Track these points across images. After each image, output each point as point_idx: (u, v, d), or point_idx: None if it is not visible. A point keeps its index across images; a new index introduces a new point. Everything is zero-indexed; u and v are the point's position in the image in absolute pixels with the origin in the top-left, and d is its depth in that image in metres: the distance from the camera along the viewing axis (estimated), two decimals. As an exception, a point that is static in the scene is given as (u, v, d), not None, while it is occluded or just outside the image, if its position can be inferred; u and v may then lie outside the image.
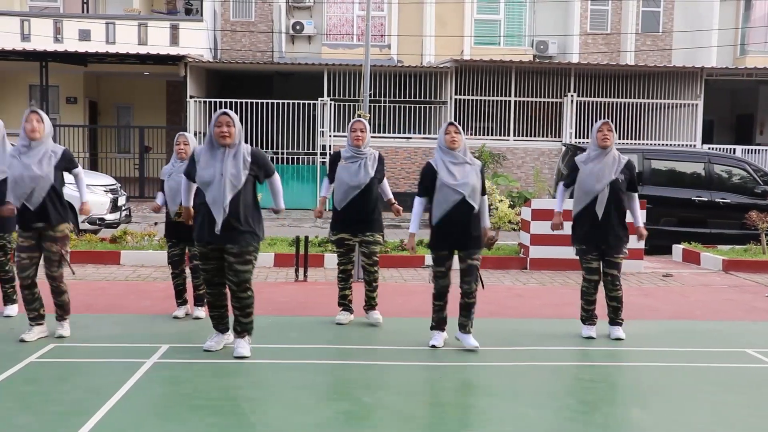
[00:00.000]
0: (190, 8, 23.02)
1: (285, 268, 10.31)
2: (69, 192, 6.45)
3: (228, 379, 5.44)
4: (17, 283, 6.59)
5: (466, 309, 6.24)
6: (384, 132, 20.59)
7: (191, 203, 6.07)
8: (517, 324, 7.37)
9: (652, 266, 11.15)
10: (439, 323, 6.42)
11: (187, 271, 7.31)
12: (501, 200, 11.69)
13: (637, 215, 6.85)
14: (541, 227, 10.57)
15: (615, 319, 6.84)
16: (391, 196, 7.29)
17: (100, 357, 5.93)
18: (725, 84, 22.22)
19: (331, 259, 10.46)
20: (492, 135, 20.59)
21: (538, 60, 22.82)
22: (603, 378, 5.80)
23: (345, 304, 7.17)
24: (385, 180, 7.18)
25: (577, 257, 6.83)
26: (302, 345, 6.45)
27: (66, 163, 6.29)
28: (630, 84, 21.29)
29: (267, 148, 20.36)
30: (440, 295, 6.34)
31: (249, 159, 5.74)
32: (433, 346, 6.32)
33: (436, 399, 5.31)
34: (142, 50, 20.18)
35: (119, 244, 10.84)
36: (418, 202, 6.36)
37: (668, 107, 21.42)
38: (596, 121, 20.46)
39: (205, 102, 20.44)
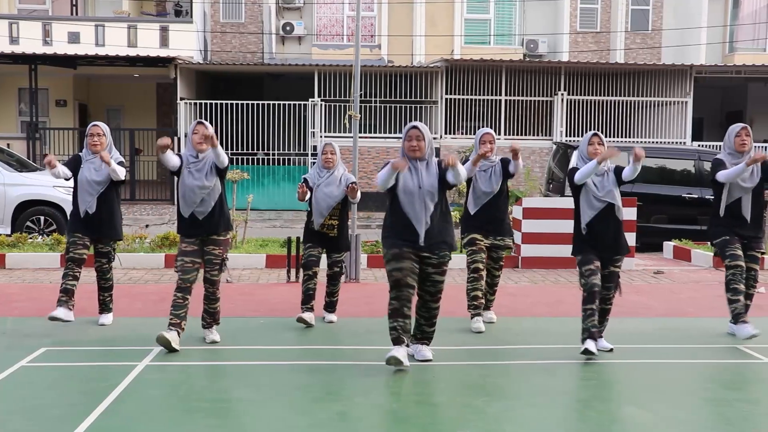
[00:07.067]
0: (179, 10, 22.96)
1: (277, 269, 10.29)
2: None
3: (222, 381, 5.42)
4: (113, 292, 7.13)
5: (602, 315, 6.20)
6: (375, 132, 20.60)
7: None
8: (511, 323, 7.35)
9: (643, 263, 11.18)
10: (591, 332, 6.01)
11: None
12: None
13: None
14: (533, 226, 10.59)
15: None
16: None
17: (92, 360, 5.91)
18: (714, 81, 22.30)
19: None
20: (483, 134, 20.55)
21: (528, 59, 22.86)
22: (597, 376, 5.79)
23: (476, 305, 6.99)
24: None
25: (716, 250, 6.80)
26: (295, 346, 6.45)
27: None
28: (620, 82, 21.35)
29: (258, 149, 20.35)
30: (591, 297, 5.99)
31: (437, 170, 5.77)
32: (589, 352, 5.98)
33: (431, 399, 5.30)
34: (132, 52, 20.12)
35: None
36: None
37: (658, 105, 21.50)
38: (587, 118, 20.71)
39: (195, 104, 20.40)
